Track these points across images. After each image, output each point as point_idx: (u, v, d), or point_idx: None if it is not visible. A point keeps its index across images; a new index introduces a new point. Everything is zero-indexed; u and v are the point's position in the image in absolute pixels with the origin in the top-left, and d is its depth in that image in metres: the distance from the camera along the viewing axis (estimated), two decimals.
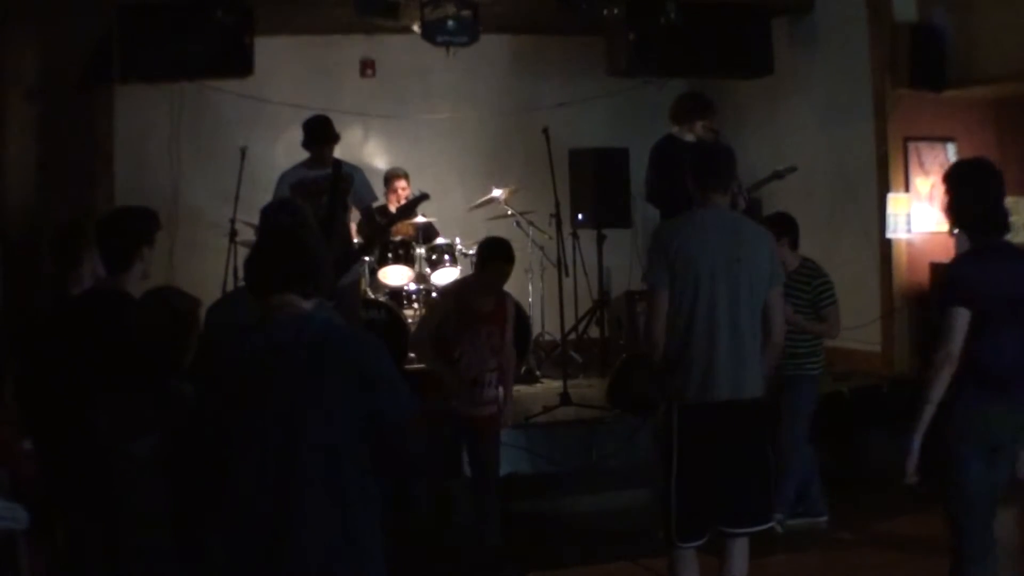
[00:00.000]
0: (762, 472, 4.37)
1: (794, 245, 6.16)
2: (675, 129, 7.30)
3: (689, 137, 7.24)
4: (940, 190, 4.48)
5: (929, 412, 3.95)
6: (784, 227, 6.06)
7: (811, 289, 6.07)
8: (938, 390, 3.95)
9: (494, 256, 5.44)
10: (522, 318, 8.42)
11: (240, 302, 3.90)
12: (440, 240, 8.45)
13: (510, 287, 9.09)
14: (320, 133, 6.82)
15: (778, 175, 7.42)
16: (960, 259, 4.25)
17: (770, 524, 4.39)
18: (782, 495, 5.96)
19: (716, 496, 4.28)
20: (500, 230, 8.72)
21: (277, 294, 2.93)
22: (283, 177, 6.92)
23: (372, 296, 8.17)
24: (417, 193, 7.24)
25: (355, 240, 7.58)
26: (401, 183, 8.57)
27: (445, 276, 8.30)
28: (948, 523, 4.05)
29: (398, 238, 8.33)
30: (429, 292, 8.25)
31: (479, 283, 5.48)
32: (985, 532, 4.01)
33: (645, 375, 7.02)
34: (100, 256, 4.07)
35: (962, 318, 3.93)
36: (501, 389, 5.46)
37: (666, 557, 4.44)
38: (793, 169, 7.44)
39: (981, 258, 4.07)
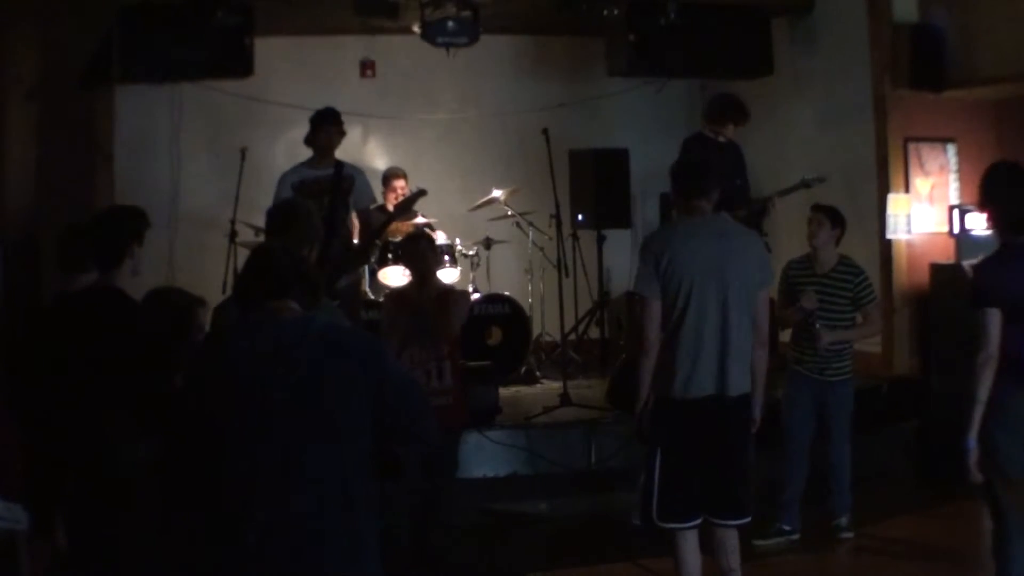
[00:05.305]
0: (743, 467, 4.53)
1: (837, 241, 6.13)
2: (707, 128, 7.29)
3: (720, 139, 7.23)
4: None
5: (979, 411, 4.08)
6: (840, 221, 6.10)
7: (853, 287, 6.00)
8: (984, 389, 4.08)
9: (411, 241, 5.72)
10: (521, 318, 8.42)
11: None
12: (441, 240, 8.43)
13: (510, 287, 9.07)
14: (326, 115, 6.90)
15: (806, 184, 7.36)
16: (987, 261, 4.36)
17: (748, 519, 4.54)
18: (842, 495, 6.04)
19: (698, 484, 4.45)
20: (500, 230, 8.77)
21: (275, 300, 2.94)
22: (284, 177, 6.92)
23: (372, 297, 8.16)
24: (415, 190, 7.22)
25: (355, 241, 7.57)
26: (400, 182, 8.55)
27: (446, 277, 8.28)
28: (990, 505, 4.21)
29: (398, 238, 8.31)
30: None
31: (412, 279, 5.67)
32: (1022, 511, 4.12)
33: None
34: (90, 254, 4.05)
35: (996, 318, 4.06)
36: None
37: (670, 549, 4.56)
38: (822, 180, 7.37)
39: (1005, 259, 4.21)
